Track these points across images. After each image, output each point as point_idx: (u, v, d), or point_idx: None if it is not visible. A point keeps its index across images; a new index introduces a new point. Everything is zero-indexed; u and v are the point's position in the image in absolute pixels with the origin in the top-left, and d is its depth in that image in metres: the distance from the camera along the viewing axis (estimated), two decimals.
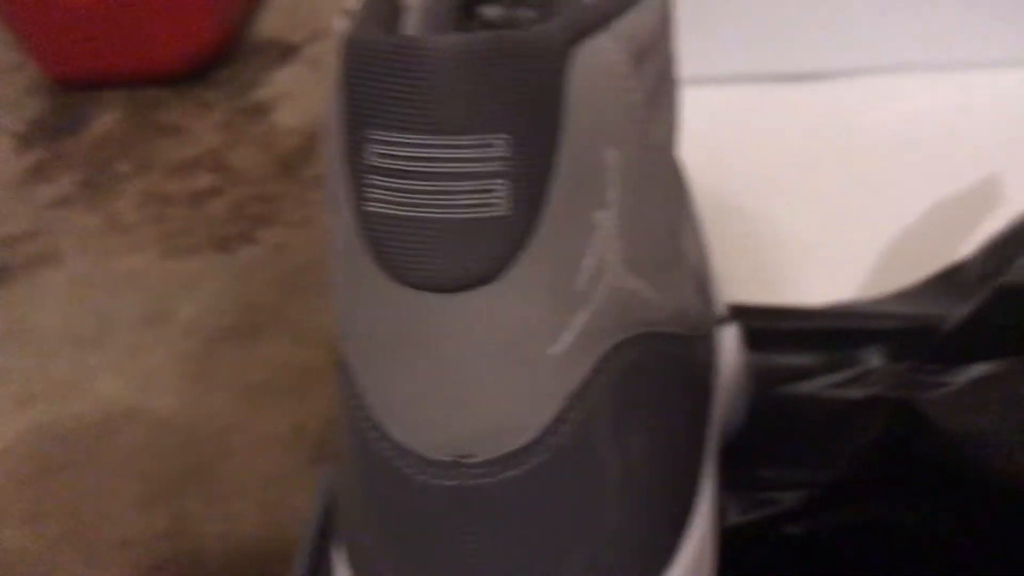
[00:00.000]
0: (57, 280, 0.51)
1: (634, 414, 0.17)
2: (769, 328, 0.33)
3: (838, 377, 0.28)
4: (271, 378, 0.44)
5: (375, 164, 0.15)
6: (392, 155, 0.15)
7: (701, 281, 0.22)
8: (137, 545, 0.39)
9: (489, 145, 0.15)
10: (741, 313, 0.31)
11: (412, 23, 0.18)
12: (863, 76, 0.46)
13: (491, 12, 0.19)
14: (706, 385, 0.23)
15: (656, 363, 0.18)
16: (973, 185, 0.43)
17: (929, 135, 0.44)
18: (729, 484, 0.26)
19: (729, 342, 0.28)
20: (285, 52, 0.65)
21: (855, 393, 0.26)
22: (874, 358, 0.29)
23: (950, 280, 0.35)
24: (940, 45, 0.47)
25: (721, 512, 0.26)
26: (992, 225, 0.36)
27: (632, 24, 0.17)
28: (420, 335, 0.16)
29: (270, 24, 0.68)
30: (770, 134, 0.45)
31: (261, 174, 0.56)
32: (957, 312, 0.31)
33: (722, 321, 0.29)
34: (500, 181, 0.15)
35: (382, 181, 0.15)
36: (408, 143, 0.15)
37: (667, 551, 0.18)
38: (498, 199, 0.15)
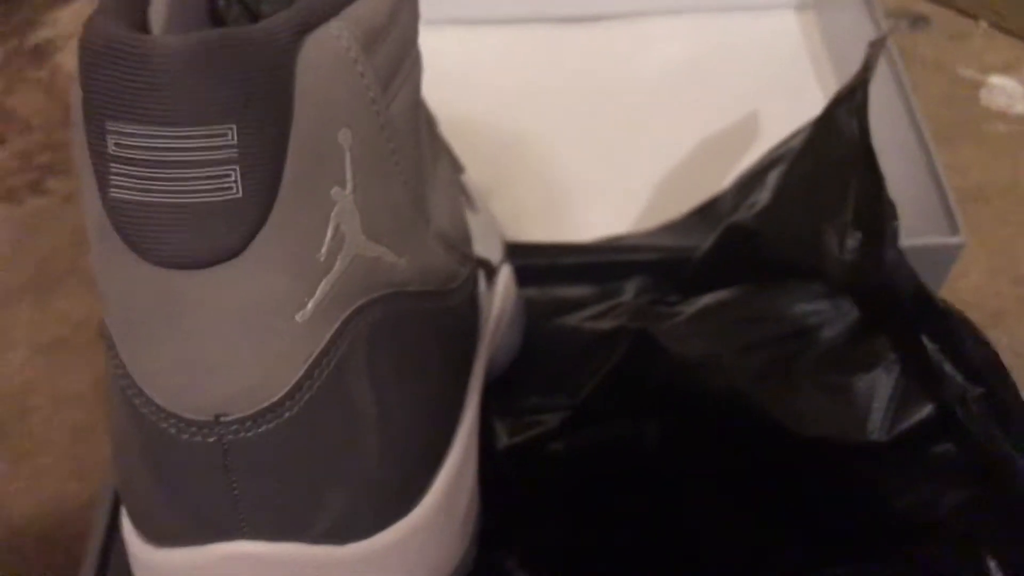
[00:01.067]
0: None
1: (384, 365, 0.20)
2: (547, 264, 0.36)
3: (595, 310, 0.31)
4: (69, 335, 0.43)
5: (114, 153, 0.16)
6: (129, 145, 0.16)
7: (454, 237, 0.25)
8: None
9: (219, 135, 0.16)
10: (520, 251, 0.34)
11: (158, 10, 0.19)
12: (632, 19, 0.49)
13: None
14: (467, 329, 0.25)
15: (404, 318, 0.20)
16: (735, 122, 0.47)
17: (693, 75, 0.48)
18: (500, 411, 0.29)
19: (504, 281, 0.30)
20: None
21: (604, 325, 0.29)
22: (628, 291, 0.33)
23: (706, 214, 0.39)
24: None
25: (492, 436, 0.29)
26: (750, 160, 0.40)
27: (361, 10, 0.19)
28: (169, 309, 0.17)
29: None
30: (546, 75, 0.47)
31: (47, 121, 0.54)
32: (704, 245, 0.34)
33: (500, 261, 0.31)
34: (231, 167, 0.16)
35: (122, 169, 0.16)
36: (143, 134, 0.16)
37: (422, 487, 0.21)
38: (231, 183, 0.16)
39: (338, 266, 0.18)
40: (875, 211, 0.27)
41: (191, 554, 0.18)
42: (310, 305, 0.18)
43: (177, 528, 0.18)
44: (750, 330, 0.27)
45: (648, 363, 0.26)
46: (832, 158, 0.29)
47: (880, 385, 0.25)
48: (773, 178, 0.31)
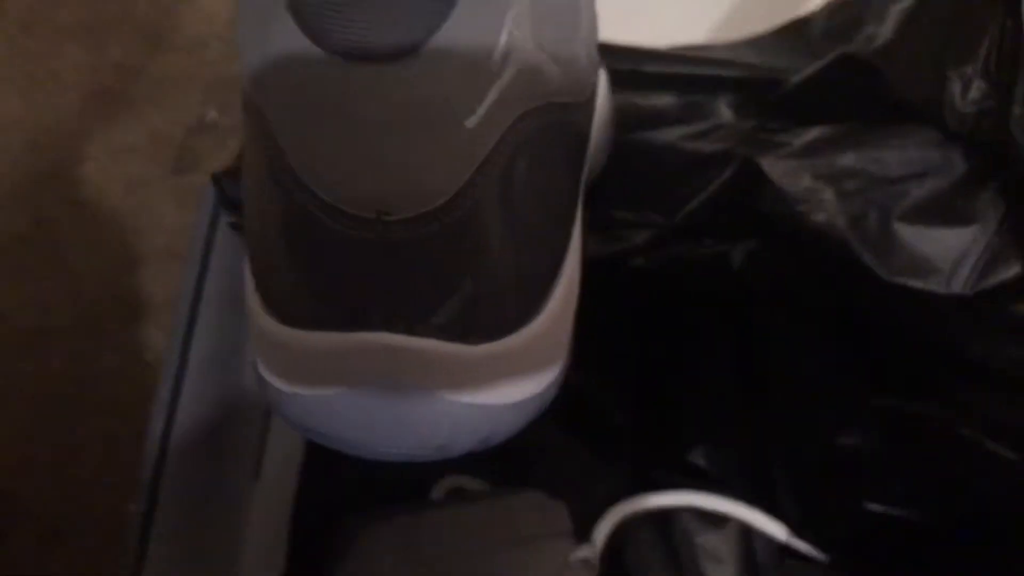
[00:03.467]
0: None
1: (533, 174, 0.19)
2: (628, 70, 0.35)
3: (691, 129, 0.31)
4: (124, 86, 0.42)
5: None
6: None
7: (591, 44, 0.24)
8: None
9: None
10: (605, 52, 0.32)
11: None
12: None
13: None
14: (583, 141, 0.25)
15: (550, 129, 0.20)
16: None
17: None
18: (588, 223, 0.29)
19: (600, 87, 0.30)
20: None
21: (707, 147, 0.29)
22: (723, 110, 0.32)
23: (797, 34, 0.37)
24: None
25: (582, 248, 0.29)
26: None
27: None
28: (342, 102, 0.17)
29: None
30: None
31: None
32: (801, 69, 0.33)
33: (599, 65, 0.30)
34: None
35: None
36: None
37: (548, 294, 0.21)
38: None
39: (507, 73, 0.18)
40: (1008, 64, 0.26)
41: (329, 338, 0.19)
42: (480, 111, 0.17)
43: (318, 314, 0.19)
44: (856, 170, 0.27)
45: (751, 192, 0.26)
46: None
47: (974, 241, 0.26)
48: (896, 11, 0.29)
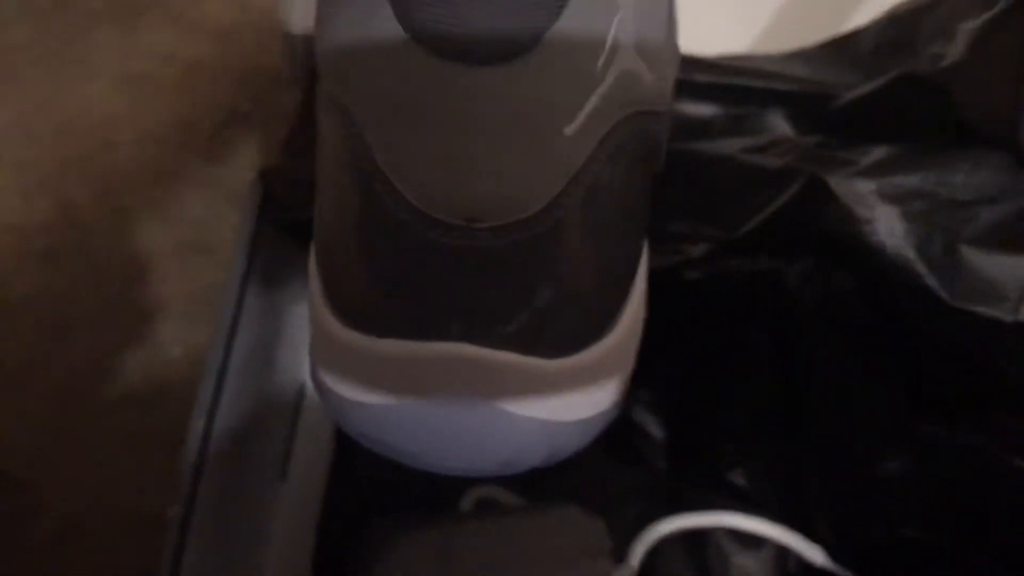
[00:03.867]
0: None
1: (621, 185, 0.19)
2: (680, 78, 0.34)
3: (749, 141, 0.30)
4: (155, 69, 0.41)
5: None
6: None
7: (675, 53, 0.23)
8: (25, 231, 0.38)
9: None
10: None
11: None
12: None
13: None
14: (660, 151, 0.24)
15: (635, 140, 0.19)
16: None
17: None
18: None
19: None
20: None
21: (770, 162, 0.28)
22: (779, 123, 0.31)
23: (846, 47, 0.36)
24: None
25: None
26: None
27: None
28: (441, 102, 0.16)
29: None
30: None
31: None
32: (854, 84, 0.33)
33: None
34: None
35: None
36: None
37: (619, 311, 0.21)
38: None
39: (608, 79, 0.17)
40: None
41: (403, 347, 0.18)
42: (580, 118, 0.17)
43: (392, 320, 0.18)
44: (923, 191, 0.27)
45: (818, 210, 0.26)
46: None
47: None
48: (964, 30, 0.29)
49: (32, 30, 0.41)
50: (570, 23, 0.16)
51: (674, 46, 0.22)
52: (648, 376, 0.30)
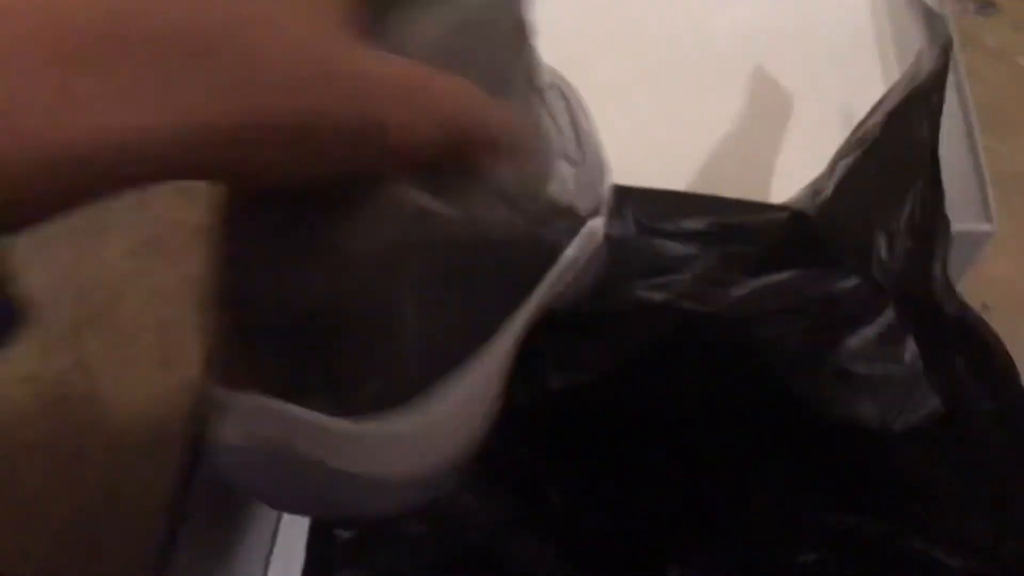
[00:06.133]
0: None
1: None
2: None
3: (654, 281, 0.34)
4: (162, 234, 0.47)
5: None
6: None
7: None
8: (40, 382, 0.43)
9: None
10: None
11: None
12: None
13: None
14: (527, 264, 0.27)
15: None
16: (799, 92, 0.49)
17: (761, 42, 0.50)
18: (555, 353, 0.32)
19: (595, 230, 0.32)
20: None
21: (656, 296, 0.32)
22: (685, 260, 0.36)
23: None
24: None
25: (543, 377, 0.32)
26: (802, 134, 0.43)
27: None
28: None
29: None
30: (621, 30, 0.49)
31: None
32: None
33: (596, 211, 0.32)
34: None
35: None
36: None
37: (440, 378, 0.23)
38: None
39: None
40: (930, 225, 0.29)
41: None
42: None
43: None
44: (794, 316, 0.30)
45: (690, 341, 0.29)
46: (897, 160, 0.31)
47: (901, 383, 0.28)
48: (840, 169, 0.33)
49: None
50: None
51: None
52: (585, 483, 0.34)
